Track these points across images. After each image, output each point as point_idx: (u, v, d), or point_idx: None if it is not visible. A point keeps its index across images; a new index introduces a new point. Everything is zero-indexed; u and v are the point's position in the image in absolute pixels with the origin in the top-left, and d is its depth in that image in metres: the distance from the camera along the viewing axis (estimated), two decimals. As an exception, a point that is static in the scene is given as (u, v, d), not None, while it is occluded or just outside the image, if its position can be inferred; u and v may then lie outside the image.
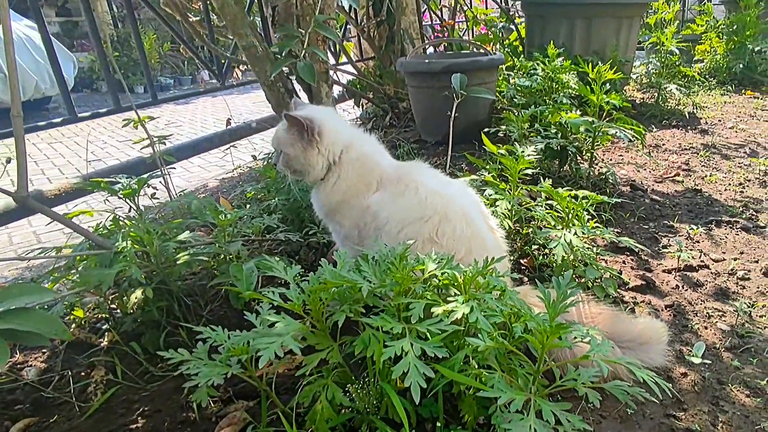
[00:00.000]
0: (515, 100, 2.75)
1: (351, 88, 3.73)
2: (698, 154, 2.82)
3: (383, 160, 1.44)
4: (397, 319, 0.95)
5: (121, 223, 1.42)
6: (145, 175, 1.64)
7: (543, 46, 3.90)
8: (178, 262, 1.33)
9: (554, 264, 1.40)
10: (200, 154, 2.84)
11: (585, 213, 1.51)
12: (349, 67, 3.90)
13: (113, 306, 1.49)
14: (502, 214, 1.58)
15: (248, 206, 1.99)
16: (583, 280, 1.44)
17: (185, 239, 1.36)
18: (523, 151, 1.63)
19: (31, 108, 7.00)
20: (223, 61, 2.84)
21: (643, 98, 4.16)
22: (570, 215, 1.48)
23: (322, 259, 1.59)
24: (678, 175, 2.51)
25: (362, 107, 4.13)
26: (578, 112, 2.49)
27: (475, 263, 1.06)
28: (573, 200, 1.49)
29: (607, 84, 2.36)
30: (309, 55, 1.83)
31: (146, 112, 2.19)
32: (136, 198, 1.49)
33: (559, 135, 2.33)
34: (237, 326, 1.45)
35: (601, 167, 2.43)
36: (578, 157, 2.33)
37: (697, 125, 3.41)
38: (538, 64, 3.24)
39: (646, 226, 1.96)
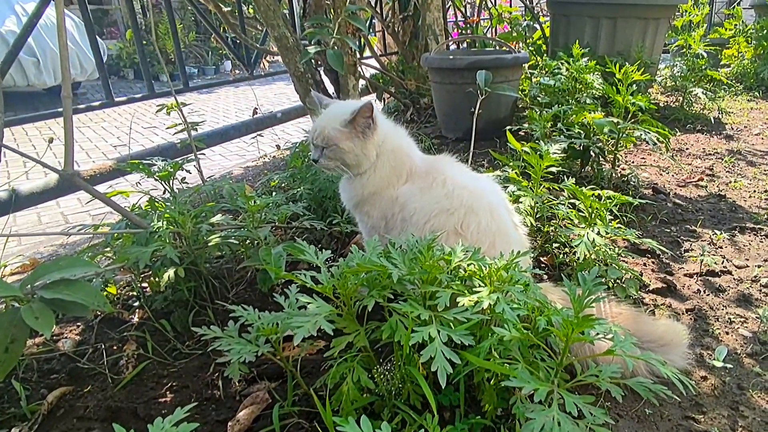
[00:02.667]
0: (538, 99, 2.75)
1: (374, 81, 3.75)
2: (723, 159, 2.80)
3: (413, 152, 1.47)
4: (423, 307, 0.98)
5: (156, 204, 1.47)
6: (176, 160, 1.69)
7: (567, 46, 3.88)
8: (209, 244, 1.37)
9: (575, 263, 1.41)
10: (228, 141, 2.89)
11: (607, 213, 1.52)
12: (372, 61, 3.92)
13: (144, 285, 1.55)
14: (525, 210, 1.60)
15: (273, 194, 2.03)
16: (604, 279, 1.46)
17: (217, 222, 1.40)
18: (547, 149, 1.64)
19: (60, 93, 7.15)
20: (252, 52, 2.88)
21: (667, 101, 4.12)
22: (593, 215, 1.50)
23: (352, 245, 1.63)
24: (701, 180, 2.50)
25: (384, 101, 4.16)
26: (602, 113, 2.49)
27: (500, 256, 1.09)
28: (596, 200, 1.50)
29: (633, 85, 2.35)
30: (339, 45, 1.86)
31: (178, 98, 2.24)
32: (171, 180, 1.53)
33: (583, 135, 2.33)
34: (260, 309, 1.50)
35: (623, 169, 2.42)
36: (601, 158, 2.32)
37: (722, 131, 3.37)
38: (562, 64, 3.23)
39: (668, 230, 1.96)
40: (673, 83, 4.24)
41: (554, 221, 1.80)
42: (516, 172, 1.73)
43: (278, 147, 3.23)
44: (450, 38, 4.25)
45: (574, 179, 2.22)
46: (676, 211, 2.13)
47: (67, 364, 1.34)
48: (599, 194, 1.54)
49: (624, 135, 2.17)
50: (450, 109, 3.15)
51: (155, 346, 1.35)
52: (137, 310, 1.51)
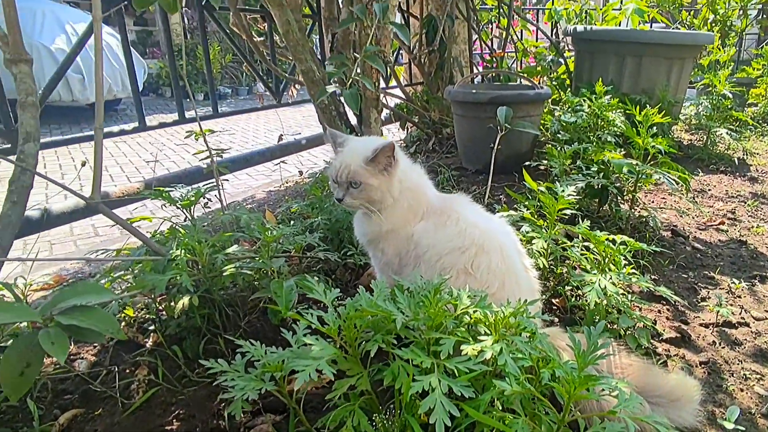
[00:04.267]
0: (559, 135, 2.76)
1: (397, 111, 3.82)
2: (746, 203, 2.74)
3: (429, 191, 1.49)
4: (426, 353, 0.99)
5: (176, 230, 1.52)
6: (201, 185, 1.76)
7: (591, 82, 3.88)
8: (224, 274, 1.41)
9: (587, 307, 1.40)
10: (252, 167, 2.97)
11: (622, 258, 1.51)
12: (397, 91, 4.00)
13: (160, 308, 1.59)
14: (538, 252, 1.60)
15: (292, 222, 2.07)
16: (615, 326, 1.44)
17: (233, 252, 1.44)
18: (563, 191, 1.64)
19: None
20: (281, 80, 2.97)
21: (691, 140, 4.07)
22: (606, 260, 1.49)
23: (366, 275, 1.64)
24: (723, 223, 2.45)
25: (407, 130, 4.22)
26: (622, 152, 2.47)
27: (507, 303, 1.09)
28: (611, 244, 1.49)
29: (654, 127, 2.34)
30: (357, 84, 1.92)
31: (207, 123, 2.32)
32: (192, 208, 1.58)
33: (601, 174, 2.32)
34: (272, 339, 1.53)
35: (642, 211, 2.40)
36: (619, 198, 2.31)
37: (746, 172, 3.31)
38: (584, 101, 3.24)
39: (685, 275, 1.92)
40: (697, 121, 4.20)
41: (568, 262, 1.78)
42: (531, 212, 1.74)
43: (301, 173, 3.29)
44: (474, 72, 4.31)
45: (590, 219, 2.22)
46: (695, 256, 2.09)
47: (81, 386, 1.37)
48: (613, 239, 1.53)
49: (642, 176, 2.16)
50: (471, 143, 3.18)
51: (166, 372, 1.38)
52: (151, 334, 1.54)
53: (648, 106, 3.72)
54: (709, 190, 2.97)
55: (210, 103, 2.67)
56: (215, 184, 1.93)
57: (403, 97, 3.99)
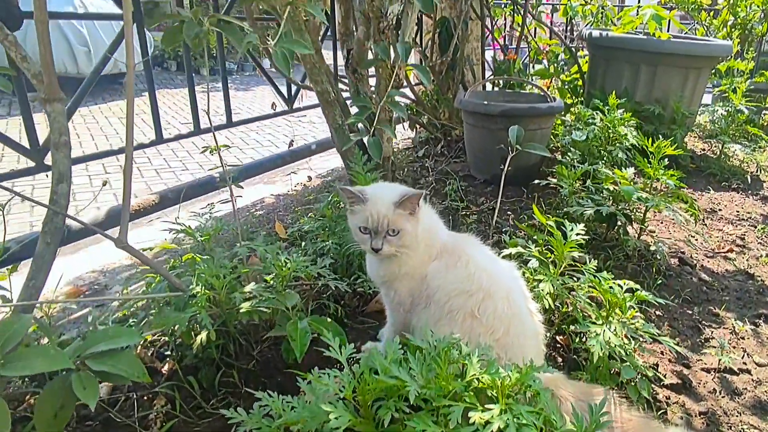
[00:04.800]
0: (569, 154, 2.76)
1: (406, 112, 3.80)
2: (756, 227, 2.75)
3: (441, 231, 1.52)
4: (435, 418, 1.03)
5: (194, 262, 1.55)
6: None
7: (604, 88, 3.85)
8: (241, 311, 1.44)
9: (590, 357, 1.44)
10: (263, 173, 3.00)
11: (627, 303, 1.54)
12: (407, 92, 3.97)
13: (178, 337, 1.64)
14: (543, 293, 1.62)
15: (303, 243, 2.11)
16: (615, 371, 1.48)
17: (250, 291, 1.48)
18: (572, 229, 1.66)
19: (107, 82, 7.52)
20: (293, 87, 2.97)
21: (704, 149, 4.05)
22: (611, 308, 1.52)
23: (365, 346, 1.67)
24: (731, 251, 2.47)
25: (416, 131, 4.20)
26: (632, 170, 2.48)
27: (514, 367, 1.13)
28: (616, 294, 1.52)
29: (666, 159, 2.33)
30: (378, 133, 1.95)
31: (221, 135, 2.34)
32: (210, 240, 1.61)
33: (610, 200, 2.34)
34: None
35: (649, 241, 2.40)
36: (628, 226, 2.32)
37: (759, 190, 3.30)
38: (597, 113, 3.23)
39: (690, 311, 1.96)
40: (712, 128, 4.16)
41: (573, 295, 1.81)
42: (539, 250, 1.76)
43: (310, 178, 3.31)
44: (485, 78, 4.28)
45: (597, 242, 2.24)
46: (701, 289, 2.12)
47: (102, 413, 1.44)
48: (620, 284, 1.56)
49: (651, 207, 2.18)
50: (480, 152, 3.18)
51: (182, 404, 1.44)
52: (167, 361, 1.60)
53: (662, 116, 3.72)
54: (720, 210, 2.97)
55: (214, 78, 2.67)
56: (229, 199, 1.97)
57: (413, 98, 3.96)
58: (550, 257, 1.74)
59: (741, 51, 4.64)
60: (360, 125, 2.00)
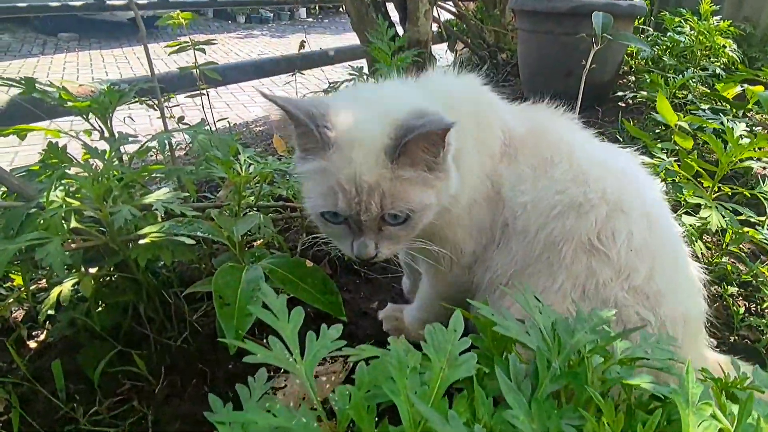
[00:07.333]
0: (664, 59, 2.12)
1: (448, 26, 3.19)
2: None
3: (501, 107, 1.01)
4: None
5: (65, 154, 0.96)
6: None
7: (679, 6, 3.15)
8: (140, 242, 0.86)
9: None
10: (265, 77, 2.45)
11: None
12: (449, 5, 3.36)
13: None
14: (691, 227, 1.03)
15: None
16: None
17: (155, 201, 0.85)
18: (731, 128, 1.05)
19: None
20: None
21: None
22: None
23: (383, 312, 1.13)
24: None
25: (456, 53, 3.60)
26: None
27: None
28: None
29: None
30: None
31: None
32: (108, 118, 1.03)
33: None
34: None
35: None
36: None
37: None
38: (685, 20, 2.58)
39: None
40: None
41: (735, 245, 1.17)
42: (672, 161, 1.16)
43: (326, 91, 2.74)
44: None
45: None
46: None
47: None
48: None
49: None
50: (539, 65, 2.57)
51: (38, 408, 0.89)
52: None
53: (752, 36, 3.02)
54: None
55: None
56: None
57: (455, 11, 3.34)
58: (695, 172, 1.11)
59: None
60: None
